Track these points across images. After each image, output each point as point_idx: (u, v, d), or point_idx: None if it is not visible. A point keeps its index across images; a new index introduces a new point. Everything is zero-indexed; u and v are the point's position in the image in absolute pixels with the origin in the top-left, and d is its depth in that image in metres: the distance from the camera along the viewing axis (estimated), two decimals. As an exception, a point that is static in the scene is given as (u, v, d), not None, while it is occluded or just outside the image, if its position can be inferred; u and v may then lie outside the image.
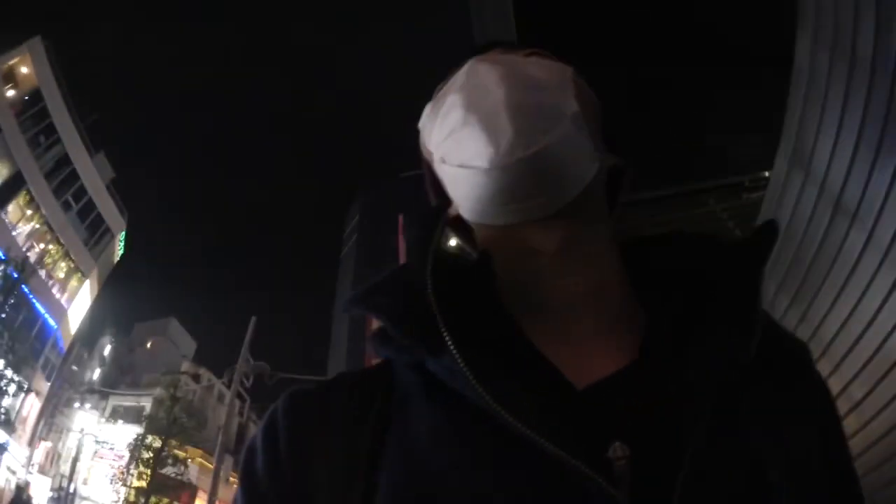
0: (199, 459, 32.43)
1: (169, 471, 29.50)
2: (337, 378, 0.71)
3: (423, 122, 0.75)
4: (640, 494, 0.52)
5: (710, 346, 0.60)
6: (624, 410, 0.58)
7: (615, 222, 0.74)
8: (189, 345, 48.09)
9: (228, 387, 20.40)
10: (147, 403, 34.72)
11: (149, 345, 44.08)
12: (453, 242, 0.73)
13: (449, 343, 0.58)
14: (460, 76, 0.70)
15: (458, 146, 0.65)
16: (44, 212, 33.40)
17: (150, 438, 29.39)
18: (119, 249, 40.32)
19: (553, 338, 0.64)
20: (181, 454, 30.54)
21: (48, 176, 34.17)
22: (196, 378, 39.43)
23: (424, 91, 0.79)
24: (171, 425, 29.86)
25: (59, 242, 34.37)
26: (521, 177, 0.62)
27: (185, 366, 41.95)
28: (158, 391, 34.40)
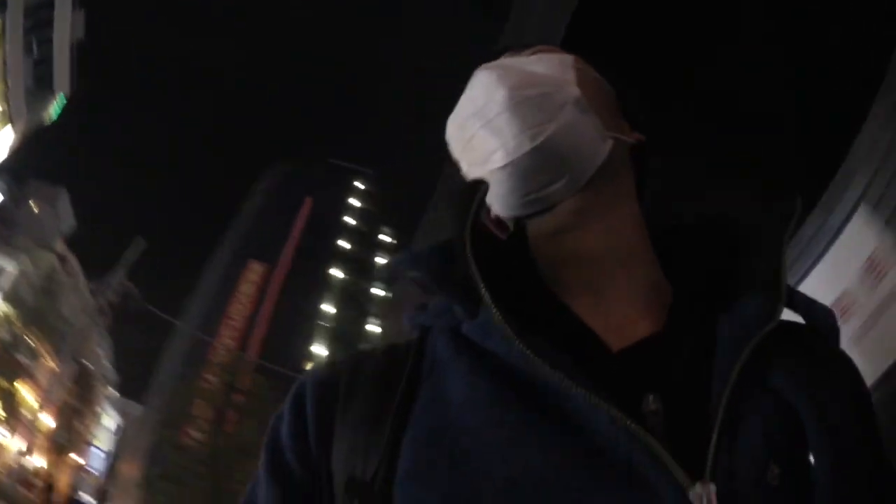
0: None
1: (21, 359, 29.16)
2: (370, 349, 0.72)
3: (448, 134, 0.76)
4: (675, 447, 0.53)
5: (737, 313, 0.62)
6: (656, 371, 0.60)
7: (647, 197, 0.75)
8: (70, 224, 46.62)
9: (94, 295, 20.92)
10: (9, 266, 33.83)
11: (34, 206, 42.55)
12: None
13: (487, 297, 0.60)
14: (467, 88, 0.72)
15: (474, 153, 0.69)
16: (7, 47, 32.13)
17: (12, 314, 28.87)
18: (54, 112, 38.98)
19: (588, 305, 0.66)
20: (35, 346, 30.19)
21: (27, 12, 32.92)
22: (62, 261, 38.69)
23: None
24: (38, 317, 29.48)
25: (4, 81, 33.08)
26: (535, 166, 0.65)
27: (59, 246, 40.90)
28: (23, 259, 33.66)
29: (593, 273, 0.68)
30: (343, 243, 55.93)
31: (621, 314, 0.66)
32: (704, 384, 0.58)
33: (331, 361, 0.73)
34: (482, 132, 0.68)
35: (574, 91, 0.68)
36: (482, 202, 0.67)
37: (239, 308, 50.59)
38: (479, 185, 0.67)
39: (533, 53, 0.76)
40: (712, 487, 0.51)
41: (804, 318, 0.67)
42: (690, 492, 0.51)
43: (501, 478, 0.54)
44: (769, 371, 0.59)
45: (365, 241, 56.45)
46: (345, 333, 48.08)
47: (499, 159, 0.66)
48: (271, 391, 23.83)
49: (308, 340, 49.29)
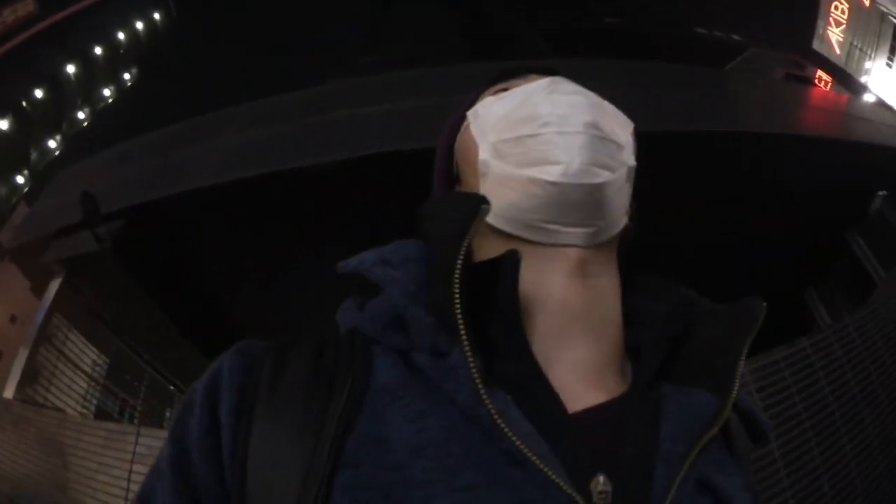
0: None
1: None
2: (297, 340, 0.64)
3: (479, 112, 0.73)
4: None
5: (687, 404, 0.62)
6: (608, 443, 0.58)
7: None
8: None
9: None
10: None
11: None
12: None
13: (465, 347, 0.56)
14: (542, 84, 0.70)
15: (527, 151, 0.65)
16: None
17: None
18: None
19: (551, 357, 0.62)
20: None
21: None
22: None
23: None
24: None
25: None
26: (576, 201, 0.63)
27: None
28: None
29: (567, 330, 0.64)
30: None
31: (583, 374, 0.63)
32: (650, 464, 0.57)
33: (252, 345, 0.64)
34: (549, 139, 0.65)
35: (631, 159, 0.69)
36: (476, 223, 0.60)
37: None
38: (480, 204, 0.60)
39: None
40: None
41: (743, 424, 0.68)
42: None
43: None
44: (706, 466, 0.60)
45: None
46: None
47: (555, 174, 0.63)
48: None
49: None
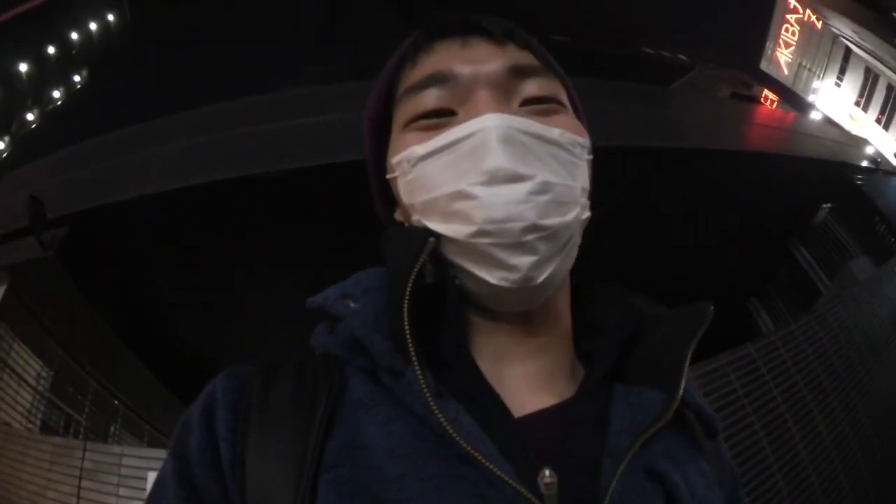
0: None
1: None
2: (283, 363, 0.69)
3: (406, 168, 0.67)
4: None
5: (635, 400, 0.65)
6: (554, 441, 0.61)
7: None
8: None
9: None
10: None
11: None
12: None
13: (416, 366, 0.60)
14: (474, 162, 0.62)
15: (464, 251, 0.63)
16: None
17: None
18: None
19: (500, 370, 0.66)
20: None
21: None
22: None
23: None
24: None
25: None
26: (522, 296, 0.64)
27: None
28: None
29: (515, 351, 0.67)
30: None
31: (530, 384, 0.66)
32: (596, 457, 0.60)
33: (243, 368, 0.68)
34: (493, 251, 0.62)
35: (586, 210, 0.67)
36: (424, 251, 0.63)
37: None
38: (427, 238, 0.63)
39: (557, 120, 0.68)
40: None
41: (694, 416, 0.70)
42: None
43: None
44: (654, 456, 0.62)
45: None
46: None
47: (495, 278, 0.62)
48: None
49: None
